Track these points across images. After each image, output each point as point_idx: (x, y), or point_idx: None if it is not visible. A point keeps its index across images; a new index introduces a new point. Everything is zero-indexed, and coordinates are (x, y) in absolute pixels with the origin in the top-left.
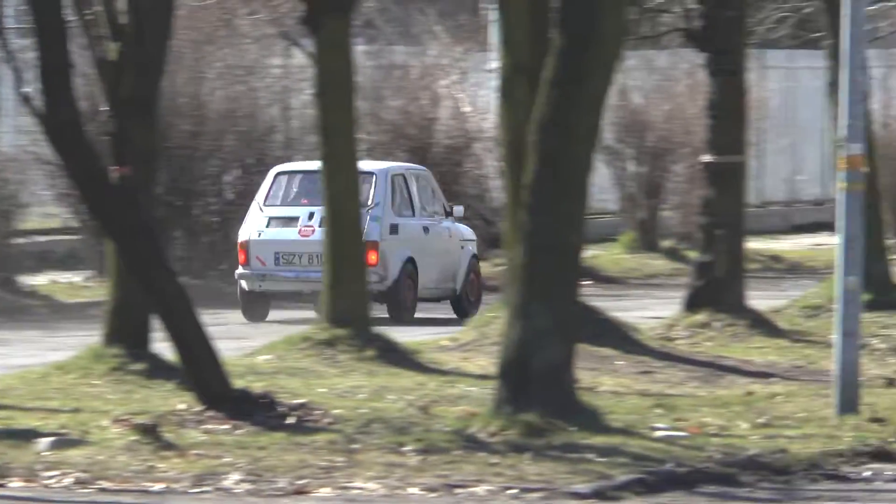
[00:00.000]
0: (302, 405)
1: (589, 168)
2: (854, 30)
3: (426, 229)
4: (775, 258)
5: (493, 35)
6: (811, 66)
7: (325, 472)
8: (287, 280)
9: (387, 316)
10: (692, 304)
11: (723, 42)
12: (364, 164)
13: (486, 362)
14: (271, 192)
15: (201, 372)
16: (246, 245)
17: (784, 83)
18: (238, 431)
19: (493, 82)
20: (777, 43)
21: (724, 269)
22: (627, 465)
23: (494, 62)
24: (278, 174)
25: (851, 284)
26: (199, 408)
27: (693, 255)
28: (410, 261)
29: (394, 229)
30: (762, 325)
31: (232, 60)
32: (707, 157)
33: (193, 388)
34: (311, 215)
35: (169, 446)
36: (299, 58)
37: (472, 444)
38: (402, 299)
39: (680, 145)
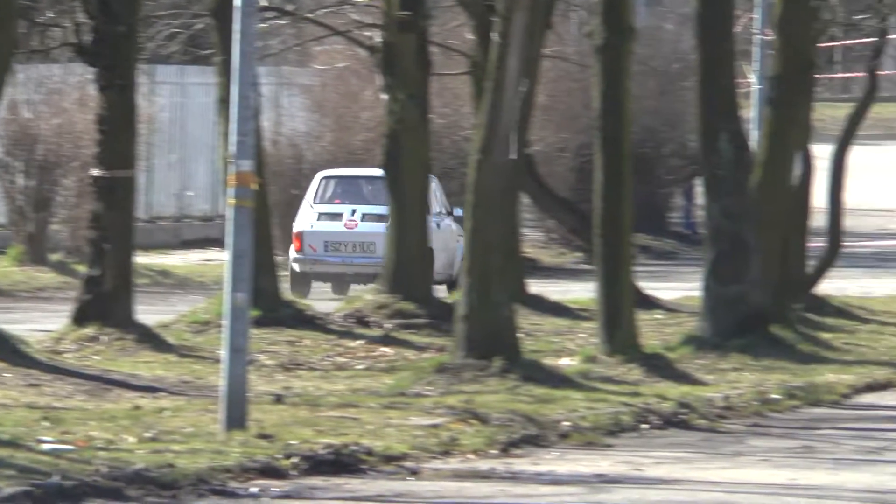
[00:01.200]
0: None
1: None
2: (244, 46)
3: (437, 225)
4: (164, 273)
5: None
6: (202, 81)
7: None
8: (334, 264)
9: None
10: (80, 318)
11: (112, 57)
12: None
13: None
14: (318, 193)
15: None
16: (301, 235)
17: (175, 98)
18: None
19: None
20: (168, 58)
21: (112, 283)
22: (14, 477)
23: None
24: (323, 178)
25: (239, 301)
26: None
27: (82, 268)
28: (429, 250)
29: None
30: (150, 339)
31: None
32: (96, 172)
33: None
34: (353, 211)
35: None
36: None
37: None
38: None
39: (70, 159)
